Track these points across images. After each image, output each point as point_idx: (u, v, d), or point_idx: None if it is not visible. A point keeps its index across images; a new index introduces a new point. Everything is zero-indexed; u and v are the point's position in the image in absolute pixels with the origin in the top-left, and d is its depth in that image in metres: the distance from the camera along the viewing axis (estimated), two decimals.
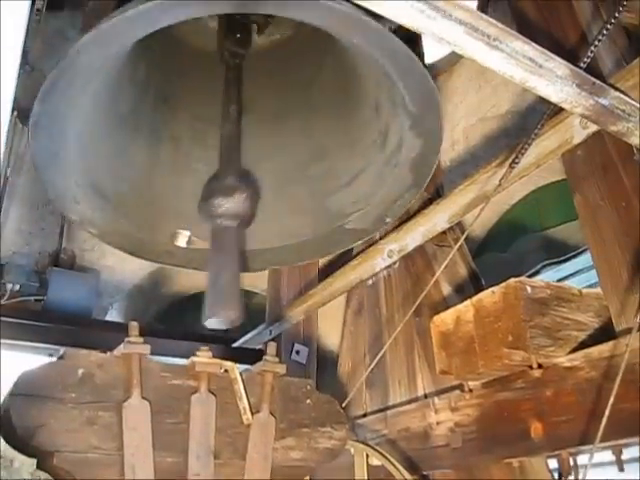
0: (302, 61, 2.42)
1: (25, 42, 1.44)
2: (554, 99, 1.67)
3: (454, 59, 4.20)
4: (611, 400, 1.76)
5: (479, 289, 2.69)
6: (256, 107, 2.41)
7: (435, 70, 4.24)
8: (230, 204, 1.94)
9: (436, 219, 2.98)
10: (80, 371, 1.98)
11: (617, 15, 1.81)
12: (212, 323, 1.81)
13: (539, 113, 2.28)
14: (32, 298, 4.28)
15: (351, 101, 2.28)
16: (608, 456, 2.16)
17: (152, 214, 2.33)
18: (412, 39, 1.79)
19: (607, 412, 1.75)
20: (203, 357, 2.21)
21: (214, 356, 2.25)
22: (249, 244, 2.36)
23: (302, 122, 2.42)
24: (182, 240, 2.27)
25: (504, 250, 4.24)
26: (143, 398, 2.04)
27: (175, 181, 2.42)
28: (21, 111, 3.21)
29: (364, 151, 2.31)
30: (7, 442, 1.83)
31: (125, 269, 5.08)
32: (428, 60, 3.88)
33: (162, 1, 1.55)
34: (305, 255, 2.49)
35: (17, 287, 4.22)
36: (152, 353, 2.14)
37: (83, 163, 2.08)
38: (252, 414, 2.23)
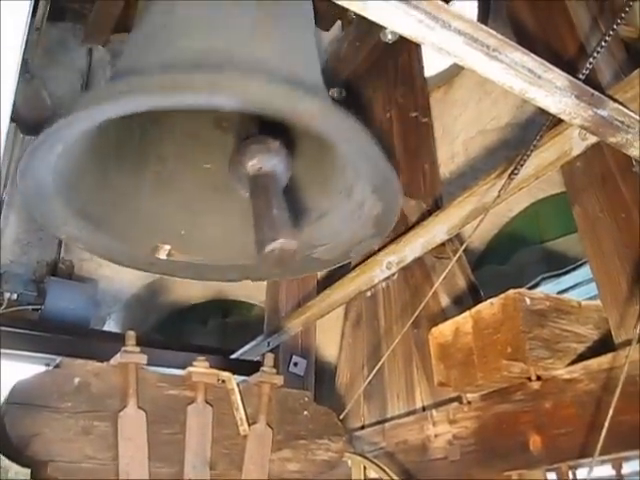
0: None
1: (25, 50, 1.44)
2: (553, 110, 1.67)
3: (454, 72, 4.22)
4: (610, 412, 1.75)
5: (478, 301, 2.68)
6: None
7: (435, 83, 4.26)
8: (265, 152, 1.97)
9: (435, 231, 2.98)
10: (76, 380, 1.97)
11: (615, 27, 1.82)
12: (271, 248, 1.64)
13: (538, 125, 2.28)
14: (30, 307, 4.26)
15: (323, 153, 2.42)
16: (608, 470, 2.15)
17: (136, 230, 2.46)
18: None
19: (607, 425, 1.73)
20: (200, 367, 2.20)
21: (211, 367, 2.23)
22: (231, 259, 2.50)
23: None
24: (162, 253, 2.41)
25: (503, 262, 4.23)
26: (139, 408, 2.03)
27: (159, 199, 2.52)
28: (21, 120, 3.22)
29: (332, 197, 2.45)
30: (1, 452, 1.82)
31: (123, 279, 5.07)
32: (428, 73, 3.89)
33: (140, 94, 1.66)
34: (276, 274, 2.58)
35: (15, 296, 4.21)
36: (149, 363, 2.13)
37: (69, 196, 2.21)
38: (249, 425, 2.22)
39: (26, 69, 3.02)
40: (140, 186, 2.50)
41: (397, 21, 1.36)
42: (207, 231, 2.49)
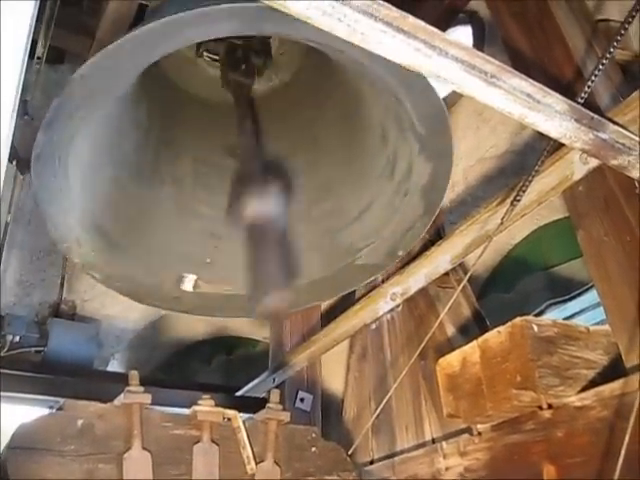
0: (302, 103, 2.42)
1: (24, 92, 1.44)
2: (554, 134, 1.66)
3: (451, 101, 4.23)
4: (626, 439, 1.71)
5: (484, 330, 2.65)
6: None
7: None
8: (262, 202, 1.77)
9: (438, 261, 2.96)
10: (79, 422, 1.94)
11: (612, 51, 1.82)
12: (263, 308, 1.62)
13: (537, 152, 2.28)
14: (32, 349, 4.22)
15: (356, 133, 2.24)
16: None
17: (157, 258, 2.24)
18: None
19: (623, 452, 1.69)
20: (205, 406, 2.17)
21: (216, 405, 2.20)
22: None
23: (307, 160, 2.37)
24: (188, 284, 2.18)
25: (508, 290, 4.20)
26: (144, 449, 2.00)
27: (179, 224, 2.33)
28: (21, 161, 3.24)
29: (372, 183, 2.25)
30: None
31: (127, 319, 5.05)
32: None
33: (162, 24, 1.56)
34: (315, 296, 2.39)
35: (17, 338, 4.16)
36: (153, 403, 2.10)
37: (86, 202, 2.01)
38: (256, 463, 2.18)
39: (25, 110, 3.05)
40: (159, 206, 2.34)
41: (396, 51, 1.36)
42: (233, 258, 2.20)
